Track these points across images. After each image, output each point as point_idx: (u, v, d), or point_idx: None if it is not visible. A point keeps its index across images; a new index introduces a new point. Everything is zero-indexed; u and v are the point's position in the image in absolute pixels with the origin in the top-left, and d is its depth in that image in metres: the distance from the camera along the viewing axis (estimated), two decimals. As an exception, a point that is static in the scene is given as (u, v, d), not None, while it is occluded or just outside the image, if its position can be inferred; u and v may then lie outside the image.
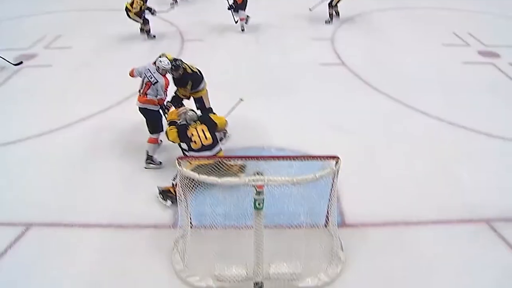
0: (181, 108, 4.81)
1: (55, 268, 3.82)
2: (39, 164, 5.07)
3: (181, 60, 5.06)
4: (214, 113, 5.01)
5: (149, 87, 4.80)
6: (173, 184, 4.39)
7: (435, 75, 7.36)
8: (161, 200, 4.40)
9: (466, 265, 3.86)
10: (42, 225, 4.22)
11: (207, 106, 5.34)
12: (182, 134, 4.47)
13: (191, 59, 5.50)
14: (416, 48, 8.40)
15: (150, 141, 4.97)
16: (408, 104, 6.38)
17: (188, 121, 4.54)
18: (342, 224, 4.22)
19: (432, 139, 5.61)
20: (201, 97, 5.31)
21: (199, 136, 4.40)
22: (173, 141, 4.58)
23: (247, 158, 3.48)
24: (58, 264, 3.85)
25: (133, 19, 8.42)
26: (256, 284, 3.56)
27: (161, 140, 5.13)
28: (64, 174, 4.89)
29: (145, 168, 4.94)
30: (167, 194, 4.38)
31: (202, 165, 3.96)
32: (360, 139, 5.49)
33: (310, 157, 3.50)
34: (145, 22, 8.54)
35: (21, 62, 7.47)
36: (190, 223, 3.92)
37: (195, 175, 3.32)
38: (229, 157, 3.57)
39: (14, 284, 3.68)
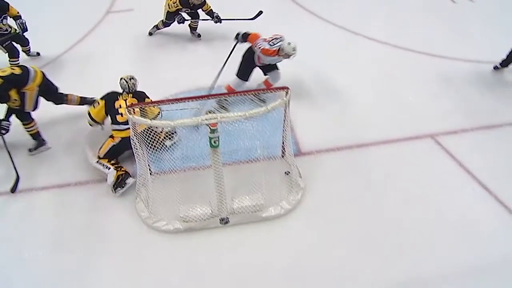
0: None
1: (17, 237, 3.74)
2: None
3: None
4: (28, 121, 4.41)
5: None
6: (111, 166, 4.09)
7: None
8: (120, 190, 3.96)
9: (416, 178, 4.14)
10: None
11: (26, 107, 4.35)
12: (110, 105, 4.17)
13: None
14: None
15: None
16: (352, 30, 6.43)
17: (122, 86, 4.24)
18: (298, 153, 4.35)
19: (378, 63, 5.74)
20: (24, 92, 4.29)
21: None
22: (94, 118, 4.24)
23: (198, 98, 3.43)
24: (18, 233, 3.77)
25: None
26: (222, 220, 3.69)
27: None
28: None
29: None
30: (119, 181, 3.97)
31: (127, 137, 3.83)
32: (308, 68, 5.50)
33: (259, 90, 3.51)
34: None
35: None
36: (149, 170, 3.91)
37: (147, 121, 3.26)
38: (183, 99, 3.49)
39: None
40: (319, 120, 4.77)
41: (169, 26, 6.27)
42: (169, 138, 4.20)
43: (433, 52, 5.93)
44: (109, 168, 4.04)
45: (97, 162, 4.12)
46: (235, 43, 4.91)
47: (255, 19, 5.95)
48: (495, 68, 5.55)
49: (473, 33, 6.37)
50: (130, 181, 4.01)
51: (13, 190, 4.08)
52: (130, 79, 4.23)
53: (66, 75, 5.61)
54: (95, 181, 4.16)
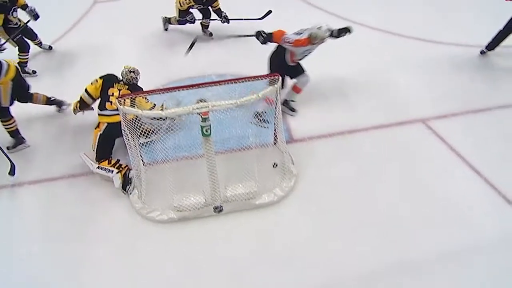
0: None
1: (11, 232, 3.72)
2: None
3: None
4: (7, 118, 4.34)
5: None
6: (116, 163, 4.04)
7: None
8: (130, 186, 3.90)
9: (408, 163, 4.18)
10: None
11: (2, 102, 4.22)
12: (105, 87, 4.10)
13: None
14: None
15: None
16: (343, 17, 6.36)
17: (121, 75, 4.17)
18: (290, 140, 4.37)
19: (369, 49, 5.72)
20: None
21: None
22: (89, 93, 4.20)
23: (189, 87, 3.40)
24: (12, 228, 3.76)
25: None
26: (215, 208, 3.70)
27: None
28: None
29: None
30: (125, 180, 3.92)
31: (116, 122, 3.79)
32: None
33: (251, 78, 3.48)
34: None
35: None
36: (142, 161, 3.90)
37: (137, 111, 3.25)
38: (175, 88, 3.47)
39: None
40: (311, 106, 4.77)
41: (184, 24, 6.08)
42: (145, 136, 3.84)
43: (423, 37, 5.92)
44: (112, 172, 3.92)
45: (98, 167, 3.99)
46: (249, 34, 4.59)
47: (263, 19, 5.85)
48: (482, 52, 5.58)
49: (463, 17, 6.36)
50: (132, 173, 3.95)
51: (12, 173, 4.06)
52: (130, 71, 4.13)
53: (55, 67, 5.55)
54: (87, 173, 4.12)
